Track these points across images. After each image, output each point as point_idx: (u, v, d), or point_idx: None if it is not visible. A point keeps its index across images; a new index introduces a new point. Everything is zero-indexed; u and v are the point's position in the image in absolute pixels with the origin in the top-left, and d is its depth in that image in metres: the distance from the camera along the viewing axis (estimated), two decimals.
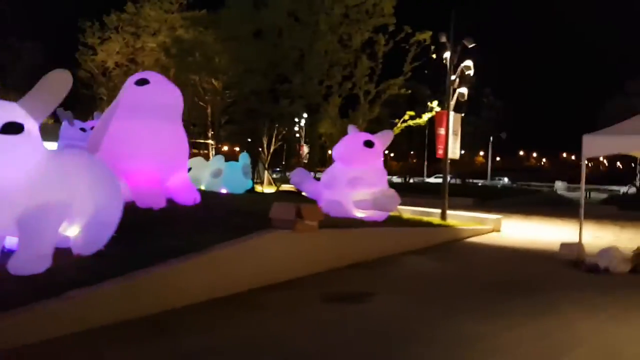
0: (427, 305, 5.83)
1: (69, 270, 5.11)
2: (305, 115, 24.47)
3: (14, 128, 4.76)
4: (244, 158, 15.04)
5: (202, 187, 14.57)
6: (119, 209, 6.26)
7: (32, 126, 5.00)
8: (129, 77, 29.58)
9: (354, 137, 10.90)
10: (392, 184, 12.31)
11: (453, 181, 42.32)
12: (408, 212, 14.93)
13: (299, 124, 31.53)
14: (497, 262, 9.44)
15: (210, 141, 24.74)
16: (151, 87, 8.58)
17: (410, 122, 14.74)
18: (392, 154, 71.28)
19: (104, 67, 32.76)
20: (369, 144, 10.59)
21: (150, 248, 5.87)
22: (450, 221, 13.41)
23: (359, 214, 10.41)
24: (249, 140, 26.05)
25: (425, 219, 12.99)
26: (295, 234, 6.68)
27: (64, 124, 12.26)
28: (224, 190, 14.28)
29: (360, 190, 10.22)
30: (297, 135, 33.48)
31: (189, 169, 15.92)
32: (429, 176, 53.83)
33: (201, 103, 22.99)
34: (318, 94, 15.98)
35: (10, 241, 5.58)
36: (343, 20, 15.51)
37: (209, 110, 24.09)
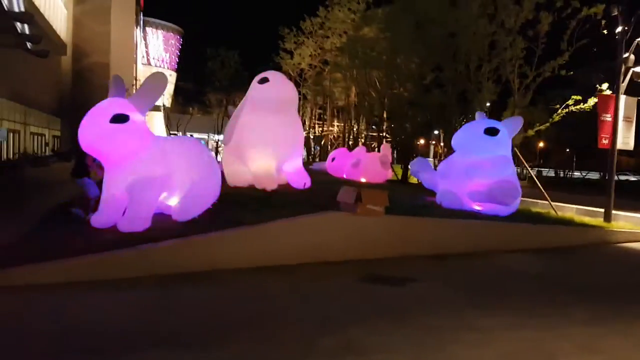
0: (463, 295, 5.56)
1: (159, 230, 6.45)
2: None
3: (121, 118, 6.32)
4: (384, 149, 15.41)
5: (344, 176, 15.50)
6: (214, 186, 7.58)
7: (137, 117, 6.52)
8: (320, 77, 32.31)
9: (476, 124, 10.34)
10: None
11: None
12: (571, 210, 13.32)
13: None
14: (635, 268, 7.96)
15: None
16: (270, 85, 9.77)
17: (573, 108, 12.94)
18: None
19: (300, 68, 36.57)
20: (491, 132, 9.94)
21: (230, 218, 6.90)
22: (613, 223, 11.53)
23: (477, 206, 9.92)
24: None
25: (579, 219, 11.44)
26: (357, 217, 6.97)
27: None
28: (362, 180, 14.95)
29: (476, 180, 9.74)
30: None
31: (333, 159, 17.22)
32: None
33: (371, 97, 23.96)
34: (473, 81, 15.23)
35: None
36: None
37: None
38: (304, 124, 43.64)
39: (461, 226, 8.16)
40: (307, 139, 42.72)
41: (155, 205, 6.79)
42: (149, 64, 73.97)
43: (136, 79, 40.78)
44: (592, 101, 12.89)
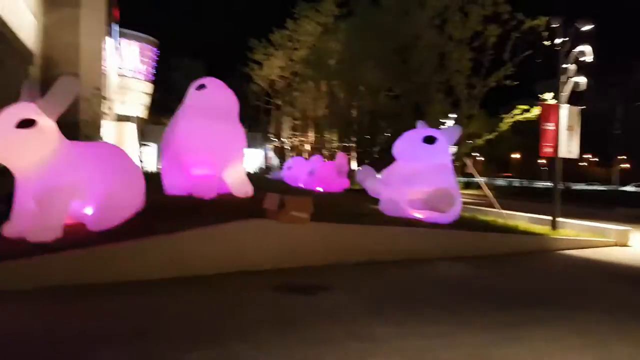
0: (372, 304, 5.44)
1: (69, 240, 6.18)
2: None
3: (27, 123, 6.08)
4: (340, 158, 15.38)
5: (301, 185, 15.39)
6: (135, 195, 7.35)
7: (45, 122, 6.29)
8: (290, 88, 32.41)
9: (415, 132, 10.39)
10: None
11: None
12: (524, 218, 13.39)
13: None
14: (561, 274, 7.98)
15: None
16: (208, 91, 9.61)
17: (519, 117, 13.13)
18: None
19: (270, 79, 36.60)
20: (429, 140, 9.99)
21: (148, 228, 6.68)
22: (560, 230, 11.63)
23: (417, 214, 9.88)
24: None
25: (525, 226, 11.50)
26: (281, 225, 6.83)
27: None
28: (319, 189, 14.86)
29: (416, 188, 9.72)
30: None
31: (289, 168, 17.13)
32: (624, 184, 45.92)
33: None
34: (423, 93, 15.39)
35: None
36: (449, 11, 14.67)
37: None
38: (278, 135, 43.60)
39: (392, 233, 8.09)
40: (281, 149, 42.66)
41: (64, 214, 6.52)
42: (125, 75, 73.12)
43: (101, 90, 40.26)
44: (536, 110, 13.10)
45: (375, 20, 17.57)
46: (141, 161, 35.41)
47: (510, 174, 60.19)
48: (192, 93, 9.78)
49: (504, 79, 13.38)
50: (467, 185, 34.98)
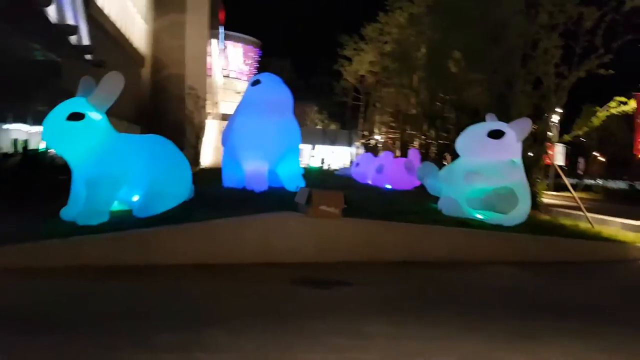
0: (383, 303, 5.14)
1: (111, 224, 6.65)
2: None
3: (77, 116, 6.63)
4: (412, 154, 14.78)
5: (369, 182, 15.09)
6: (180, 185, 7.72)
7: (94, 115, 6.81)
8: (380, 83, 32.09)
9: (480, 126, 9.62)
10: None
11: None
12: (617, 224, 11.90)
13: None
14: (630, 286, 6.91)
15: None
16: (262, 87, 9.78)
17: (614, 111, 11.55)
18: None
19: (359, 75, 36.46)
20: (494, 134, 9.20)
21: (187, 216, 6.96)
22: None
23: (478, 214, 9.17)
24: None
25: (612, 233, 10.20)
26: (312, 219, 6.72)
27: None
28: (388, 186, 14.44)
29: (476, 186, 9.03)
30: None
31: (357, 164, 16.82)
32: None
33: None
34: (509, 84, 14.18)
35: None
36: None
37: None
38: (369, 131, 43.38)
39: (436, 233, 7.59)
40: (373, 146, 42.34)
41: (111, 200, 7.03)
42: (229, 76, 77.48)
43: (211, 91, 42.86)
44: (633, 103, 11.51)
45: (461, 7, 16.68)
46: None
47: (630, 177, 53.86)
48: (248, 89, 10.04)
49: (599, 67, 11.88)
50: (572, 187, 31.87)
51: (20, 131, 14.57)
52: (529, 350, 4.02)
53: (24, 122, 15.09)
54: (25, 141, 13.00)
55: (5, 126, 14.64)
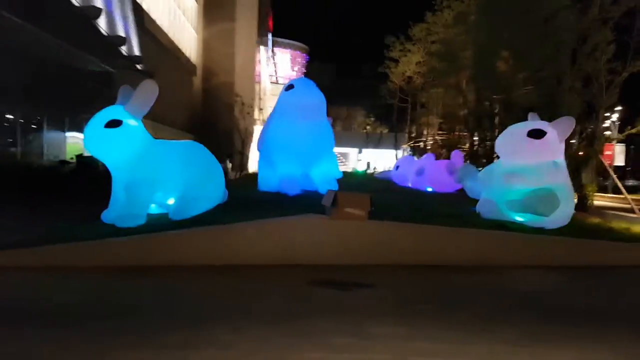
0: (398, 306, 5.06)
1: (146, 226, 6.96)
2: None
3: (114, 124, 6.98)
4: (454, 156, 14.37)
5: (409, 185, 14.85)
6: (213, 189, 7.95)
7: (131, 122, 7.14)
8: (427, 84, 31.49)
9: (520, 126, 9.24)
10: None
11: None
12: None
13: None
14: None
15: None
16: (296, 91, 9.89)
17: None
18: None
19: (405, 77, 36.02)
20: (535, 134, 8.82)
21: (214, 219, 7.17)
22: None
23: (517, 217, 8.82)
24: None
25: None
26: (337, 221, 6.72)
27: None
28: (429, 189, 14.15)
29: (515, 188, 8.69)
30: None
31: (397, 167, 16.56)
32: None
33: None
34: (559, 82, 13.54)
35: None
36: None
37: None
38: (417, 134, 42.69)
39: (467, 236, 7.38)
40: (422, 148, 41.64)
41: (148, 204, 7.36)
42: (277, 82, 78.77)
43: (260, 98, 43.57)
44: None
45: (510, 3, 16.20)
46: None
47: None
48: (282, 93, 10.18)
49: None
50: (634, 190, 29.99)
51: (76, 139, 15.52)
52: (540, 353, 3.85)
53: (80, 130, 16.07)
54: (80, 148, 13.80)
55: (63, 135, 15.63)
